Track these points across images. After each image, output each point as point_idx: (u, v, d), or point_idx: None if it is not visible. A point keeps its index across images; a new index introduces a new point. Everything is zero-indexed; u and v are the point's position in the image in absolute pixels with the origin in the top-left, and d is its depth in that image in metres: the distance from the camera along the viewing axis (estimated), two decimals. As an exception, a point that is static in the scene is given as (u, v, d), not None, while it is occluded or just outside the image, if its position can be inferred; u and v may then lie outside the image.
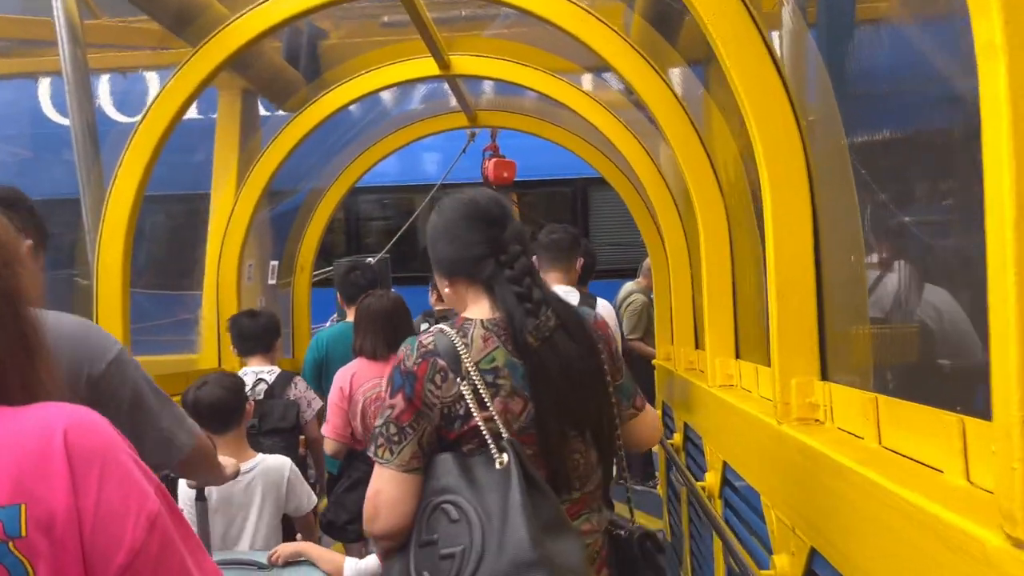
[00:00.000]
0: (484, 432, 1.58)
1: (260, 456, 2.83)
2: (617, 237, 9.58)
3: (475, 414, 1.59)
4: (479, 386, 1.60)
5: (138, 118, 3.30)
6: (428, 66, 4.16)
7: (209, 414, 2.63)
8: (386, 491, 1.62)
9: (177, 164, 4.96)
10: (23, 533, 0.79)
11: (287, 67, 5.03)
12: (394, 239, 8.25)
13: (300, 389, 3.72)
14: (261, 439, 3.25)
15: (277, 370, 3.65)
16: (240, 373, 3.52)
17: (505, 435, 1.59)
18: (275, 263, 5.22)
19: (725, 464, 2.96)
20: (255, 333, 3.66)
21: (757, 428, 2.33)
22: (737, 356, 3.22)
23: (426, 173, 9.41)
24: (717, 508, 3.07)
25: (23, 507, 0.80)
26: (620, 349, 1.91)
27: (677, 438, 4.26)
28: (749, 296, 3.27)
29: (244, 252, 4.45)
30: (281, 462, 2.82)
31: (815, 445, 1.79)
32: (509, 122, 5.48)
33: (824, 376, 2.05)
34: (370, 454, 1.66)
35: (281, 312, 5.61)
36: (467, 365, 1.61)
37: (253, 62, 4.71)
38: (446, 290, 1.79)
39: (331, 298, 4.77)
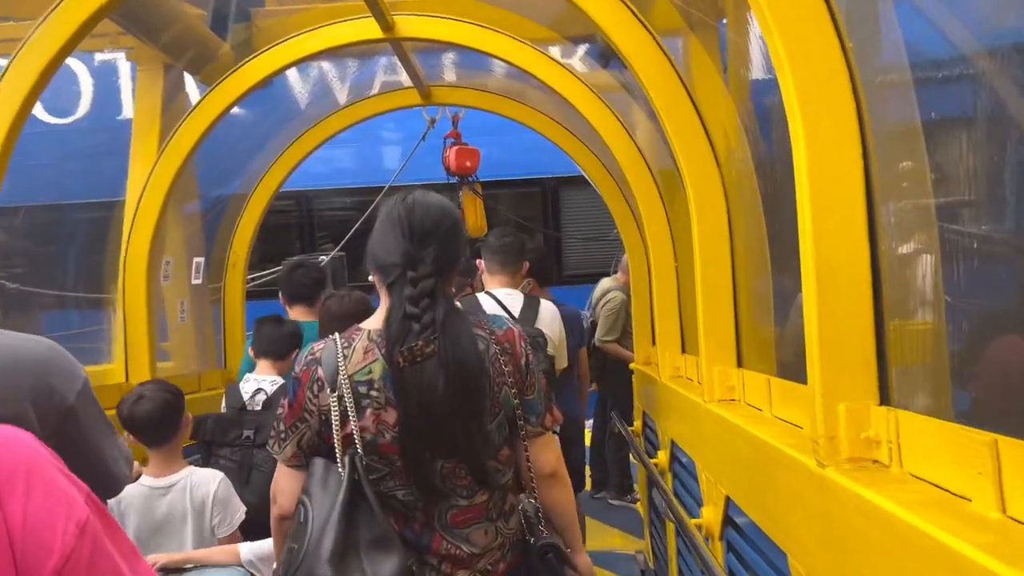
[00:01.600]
0: (336, 445, 1.66)
1: (188, 469, 2.74)
2: (590, 238, 9.03)
3: (334, 427, 1.66)
4: (347, 400, 1.66)
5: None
6: (368, 28, 3.54)
7: (145, 426, 2.63)
8: (280, 479, 1.78)
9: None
10: None
11: (211, 37, 4.39)
12: (347, 236, 7.67)
13: None
14: (256, 451, 3.08)
15: (279, 380, 3.39)
16: (242, 382, 3.38)
17: (359, 450, 1.66)
18: (199, 260, 4.55)
19: (729, 500, 2.40)
20: (272, 337, 3.41)
21: (781, 464, 1.76)
22: (739, 365, 2.66)
23: (384, 170, 8.82)
24: (717, 552, 2.51)
25: None
26: (531, 360, 1.84)
27: (662, 457, 3.70)
28: (754, 292, 2.71)
29: (156, 247, 3.79)
30: (209, 476, 2.73)
31: (877, 501, 1.24)
32: (469, 100, 4.87)
33: (885, 400, 1.48)
34: (267, 445, 1.82)
35: (212, 317, 4.97)
36: (341, 377, 1.67)
37: (165, 27, 4.07)
38: (370, 278, 1.81)
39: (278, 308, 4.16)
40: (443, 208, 1.77)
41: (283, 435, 1.75)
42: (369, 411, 1.66)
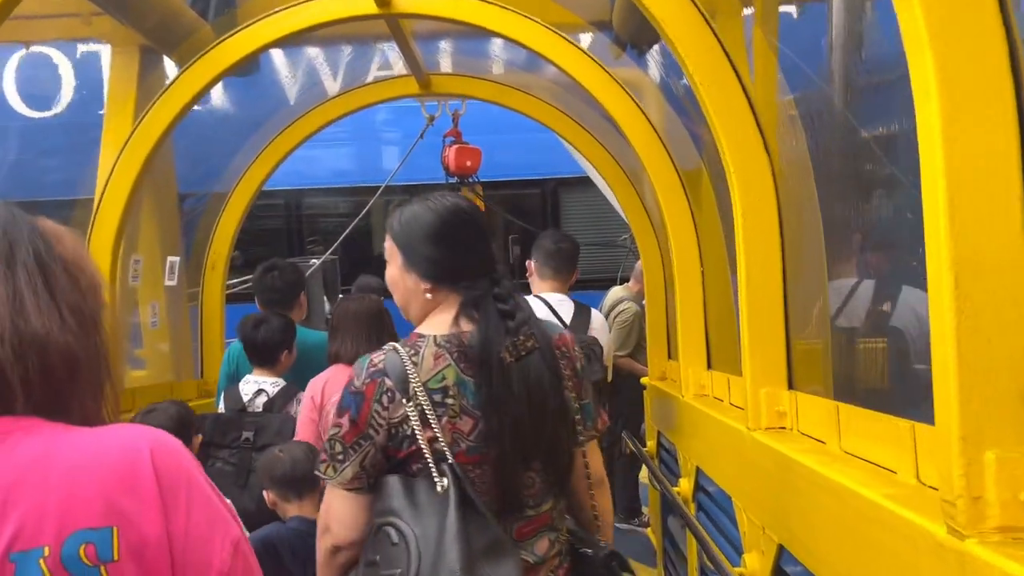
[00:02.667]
0: (427, 455, 1.58)
1: None
2: (593, 243, 8.66)
3: (419, 436, 1.58)
4: (425, 407, 1.60)
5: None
6: (362, 2, 3.16)
7: None
8: (334, 507, 1.66)
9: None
10: (115, 557, 0.79)
11: (191, 15, 4.00)
12: (339, 239, 7.29)
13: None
14: (255, 454, 2.99)
15: (281, 382, 3.30)
16: (242, 382, 3.30)
17: (450, 458, 1.59)
18: (174, 259, 4.14)
19: (782, 550, 2.00)
20: (254, 345, 3.30)
21: (878, 522, 1.37)
22: (791, 387, 2.27)
23: (380, 170, 8.47)
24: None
25: (115, 530, 0.80)
26: (604, 364, 1.91)
27: (685, 485, 3.31)
28: (807, 301, 2.32)
29: (121, 245, 3.38)
30: None
31: None
32: (470, 89, 4.48)
33: None
34: (316, 469, 1.69)
35: (190, 321, 4.56)
36: (414, 386, 1.60)
37: (142, 4, 3.68)
38: (427, 293, 1.71)
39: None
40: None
41: (341, 456, 1.63)
42: (445, 419, 1.60)
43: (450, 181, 6.94)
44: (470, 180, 6.92)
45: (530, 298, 3.36)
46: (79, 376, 0.88)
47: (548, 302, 3.28)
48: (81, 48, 6.99)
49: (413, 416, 1.58)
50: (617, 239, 6.96)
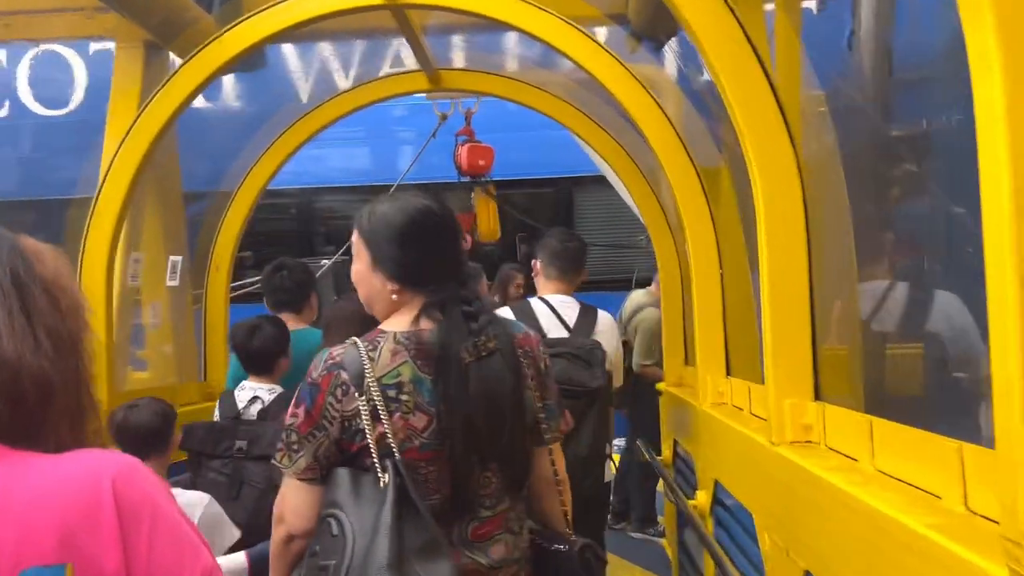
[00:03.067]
0: (372, 450, 1.59)
1: (175, 492, 2.48)
2: (609, 244, 8.49)
3: (367, 431, 1.59)
4: (377, 402, 1.60)
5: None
6: (371, -9, 3.03)
7: (133, 437, 2.52)
8: (288, 496, 1.66)
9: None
10: None
11: (191, 6, 3.89)
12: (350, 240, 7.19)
13: None
14: (249, 464, 2.89)
15: (278, 389, 3.12)
16: (238, 389, 3.18)
17: (397, 455, 1.58)
18: (177, 259, 4.04)
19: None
20: (248, 353, 3.16)
21: (924, 557, 1.22)
22: (817, 397, 2.12)
23: (392, 168, 8.36)
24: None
25: (69, 567, 0.76)
26: (549, 365, 1.82)
27: (702, 498, 3.15)
28: (832, 305, 2.17)
29: (119, 241, 3.28)
30: (195, 500, 2.53)
31: None
32: (482, 85, 4.34)
33: None
34: (272, 458, 1.69)
35: (195, 325, 4.45)
36: (368, 381, 1.60)
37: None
38: (391, 292, 1.70)
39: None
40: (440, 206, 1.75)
41: (295, 446, 1.64)
42: (397, 415, 1.60)
43: (462, 180, 6.83)
44: (483, 179, 6.81)
45: (533, 300, 3.18)
46: (53, 402, 0.85)
47: (551, 304, 3.13)
48: (94, 46, 6.92)
49: (364, 410, 1.58)
50: (634, 239, 6.78)
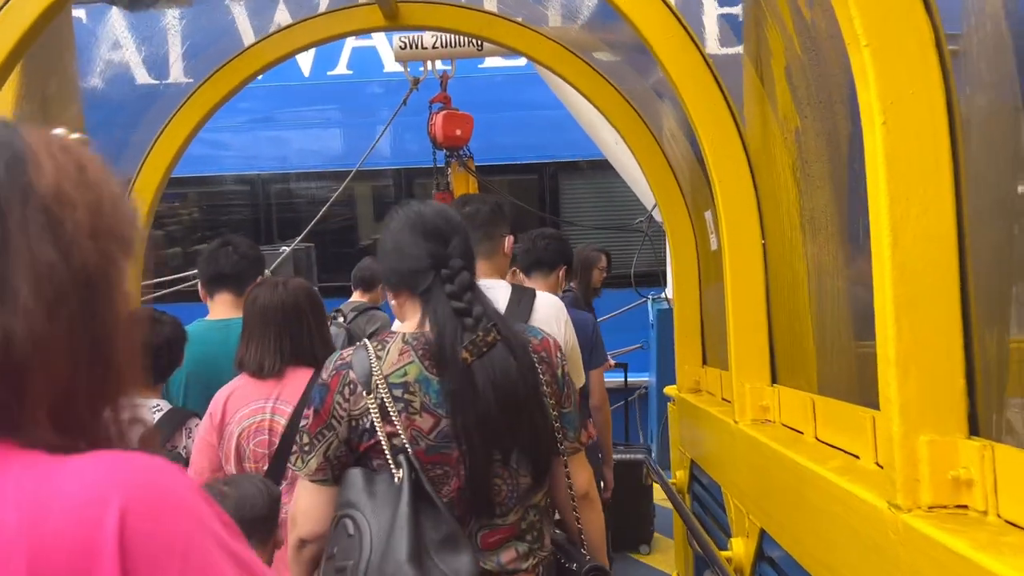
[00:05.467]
0: (384, 447, 1.58)
1: None
2: (599, 226, 7.72)
3: (378, 429, 1.59)
4: (386, 400, 1.60)
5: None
6: None
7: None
8: (301, 499, 1.67)
9: None
10: None
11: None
12: (313, 222, 6.39)
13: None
14: None
15: (165, 406, 2.56)
16: None
17: (410, 450, 1.58)
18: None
19: None
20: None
21: None
22: (973, 432, 1.30)
23: (356, 150, 7.62)
24: None
25: None
26: (567, 372, 1.77)
27: (739, 548, 2.34)
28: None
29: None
30: None
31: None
32: (451, 20, 3.48)
33: None
34: (288, 462, 1.83)
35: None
36: (376, 379, 1.61)
37: None
38: (393, 303, 1.77)
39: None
40: (445, 208, 1.78)
41: (307, 447, 1.64)
42: (404, 415, 1.60)
43: (437, 165, 6.05)
44: (461, 153, 5.99)
45: None
46: (35, 379, 0.57)
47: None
48: None
49: (373, 408, 1.59)
50: (633, 222, 6.00)
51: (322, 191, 8.26)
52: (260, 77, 3.61)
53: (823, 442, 1.95)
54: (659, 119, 3.62)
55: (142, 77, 3.92)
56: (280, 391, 2.31)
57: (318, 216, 6.53)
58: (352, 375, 1.62)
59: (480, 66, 7.45)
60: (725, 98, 2.41)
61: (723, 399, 3.09)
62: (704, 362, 3.53)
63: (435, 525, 1.52)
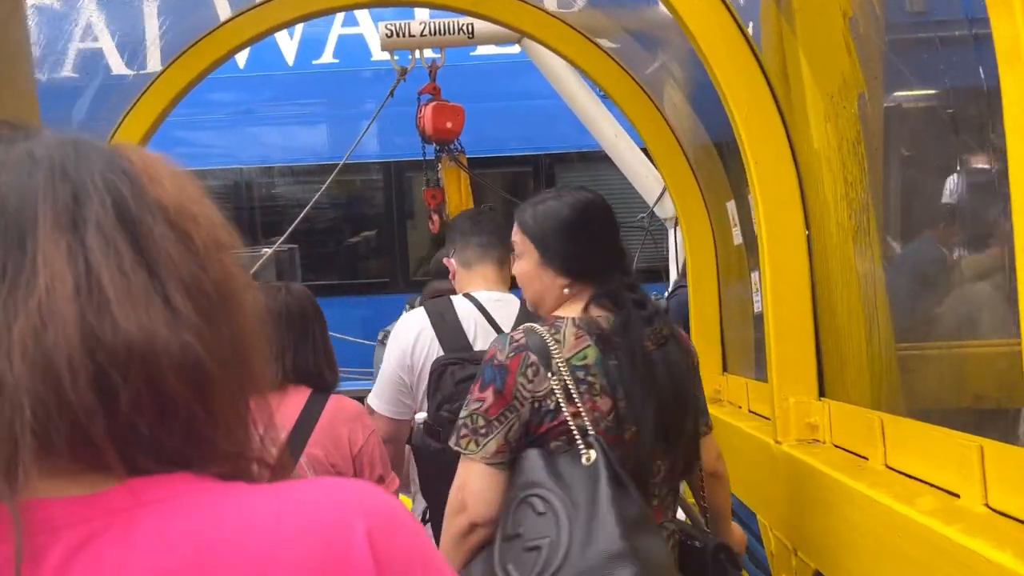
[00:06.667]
0: (572, 427, 1.60)
1: None
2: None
3: (564, 410, 1.61)
4: (569, 382, 1.62)
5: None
6: None
7: None
8: (472, 483, 1.66)
9: None
10: None
11: None
12: (296, 221, 6.04)
13: None
14: None
15: None
16: None
17: (592, 431, 1.60)
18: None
19: None
20: None
21: None
22: None
23: (340, 144, 7.31)
24: None
25: None
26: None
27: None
28: None
29: None
30: None
31: None
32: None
33: None
34: (452, 444, 1.69)
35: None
36: (558, 361, 1.63)
37: None
38: (556, 283, 1.74)
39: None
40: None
41: (483, 429, 1.63)
42: (587, 396, 1.62)
43: (428, 158, 5.71)
44: (451, 147, 5.65)
45: (456, 299, 2.26)
46: (213, 396, 0.56)
47: (479, 302, 2.18)
48: None
49: (557, 390, 1.60)
50: (635, 219, 5.68)
51: (297, 186, 8.00)
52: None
53: (896, 470, 1.62)
54: (670, 103, 3.31)
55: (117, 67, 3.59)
56: (277, 410, 1.95)
57: (304, 212, 6.15)
58: (532, 357, 1.63)
59: (472, 54, 7.12)
60: (761, 67, 2.08)
61: (750, 411, 2.79)
62: (724, 369, 3.21)
63: (629, 506, 1.54)
